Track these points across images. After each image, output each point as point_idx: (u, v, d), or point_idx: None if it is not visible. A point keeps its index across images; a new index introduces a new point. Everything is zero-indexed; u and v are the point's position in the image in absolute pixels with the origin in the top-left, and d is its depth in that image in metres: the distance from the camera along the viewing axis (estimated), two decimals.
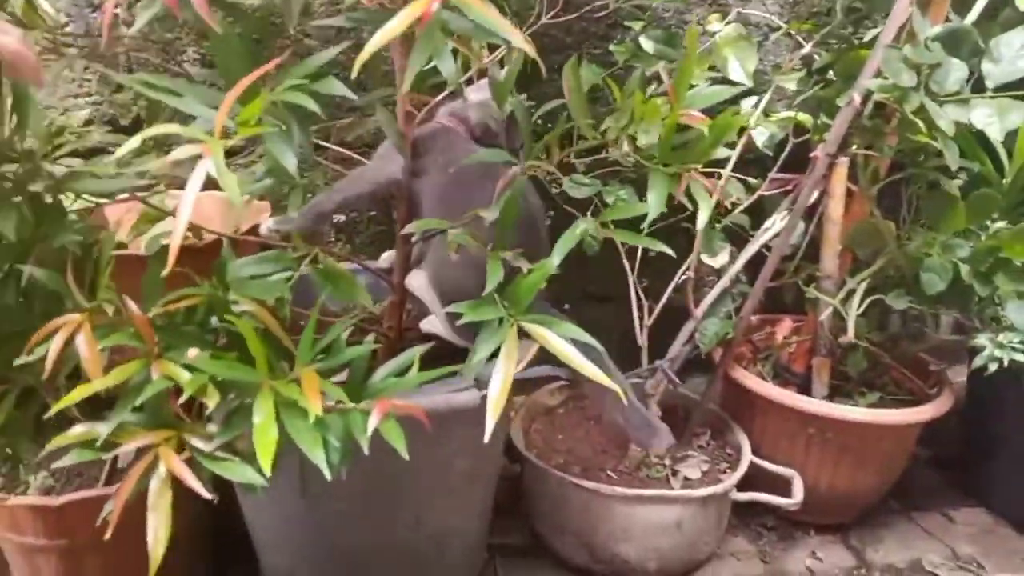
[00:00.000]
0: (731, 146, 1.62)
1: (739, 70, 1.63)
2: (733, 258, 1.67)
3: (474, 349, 1.03)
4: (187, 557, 1.41)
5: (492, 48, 1.30)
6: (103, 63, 1.57)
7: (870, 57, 1.46)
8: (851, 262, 1.68)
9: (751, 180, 1.70)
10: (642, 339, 1.71)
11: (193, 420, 0.98)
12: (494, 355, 1.02)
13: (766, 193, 1.69)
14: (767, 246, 1.64)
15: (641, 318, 1.72)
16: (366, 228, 1.91)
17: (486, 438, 0.94)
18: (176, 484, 0.90)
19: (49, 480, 1.34)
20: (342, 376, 1.06)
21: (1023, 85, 1.36)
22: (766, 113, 1.67)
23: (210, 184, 0.76)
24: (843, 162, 1.56)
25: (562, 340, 1.00)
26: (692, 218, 1.70)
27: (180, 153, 0.77)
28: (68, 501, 1.24)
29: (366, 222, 1.91)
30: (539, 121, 1.86)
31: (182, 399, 0.91)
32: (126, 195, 1.08)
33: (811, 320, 1.73)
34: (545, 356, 1.25)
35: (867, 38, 1.71)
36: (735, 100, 1.77)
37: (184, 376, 0.92)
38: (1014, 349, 1.49)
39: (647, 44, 1.67)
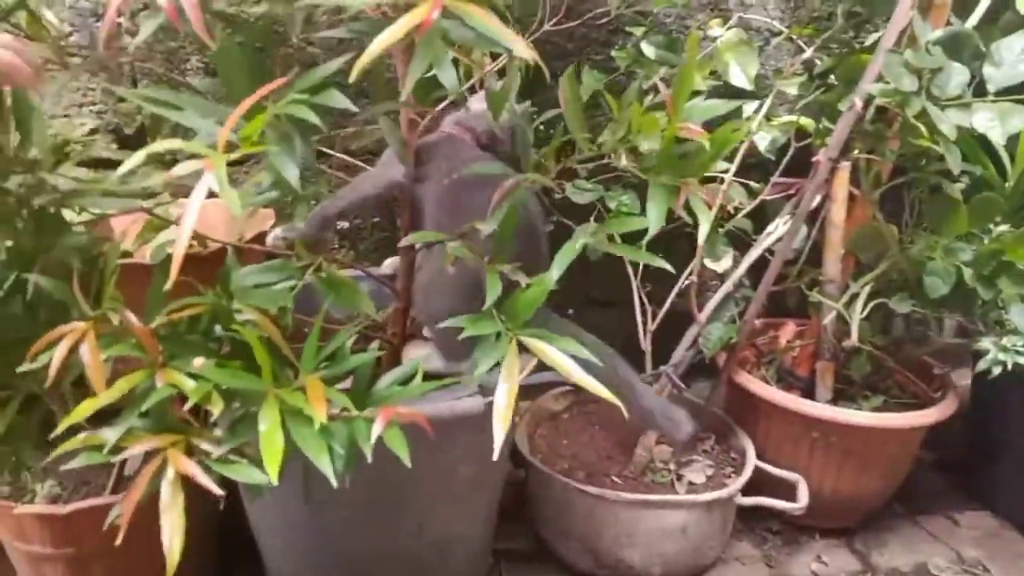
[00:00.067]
0: (733, 152, 1.63)
1: (740, 75, 1.64)
2: (736, 263, 1.67)
3: (474, 362, 1.02)
4: (195, 558, 1.41)
5: (495, 56, 1.31)
6: (107, 73, 1.58)
7: (871, 61, 1.46)
8: (854, 266, 1.68)
9: (753, 185, 1.71)
10: (646, 344, 1.71)
11: (200, 425, 0.98)
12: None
13: (768, 198, 1.69)
14: (770, 250, 1.64)
15: (645, 323, 1.73)
16: (370, 235, 1.92)
17: (494, 456, 0.94)
18: (183, 486, 0.91)
19: (56, 488, 1.34)
20: (346, 383, 1.06)
21: None
22: (768, 118, 1.68)
23: (215, 193, 0.77)
24: (845, 166, 1.56)
25: (562, 354, 0.99)
26: (695, 223, 1.71)
27: (182, 168, 0.78)
28: (75, 509, 1.24)
29: (370, 229, 1.91)
30: (542, 127, 1.87)
31: (188, 405, 0.92)
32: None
33: (814, 324, 1.73)
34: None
35: (868, 42, 1.71)
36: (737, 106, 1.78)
37: (188, 384, 0.92)
38: (1018, 352, 1.49)
39: (649, 50, 1.68)
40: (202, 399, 0.91)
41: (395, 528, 1.31)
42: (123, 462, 1.27)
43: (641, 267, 1.75)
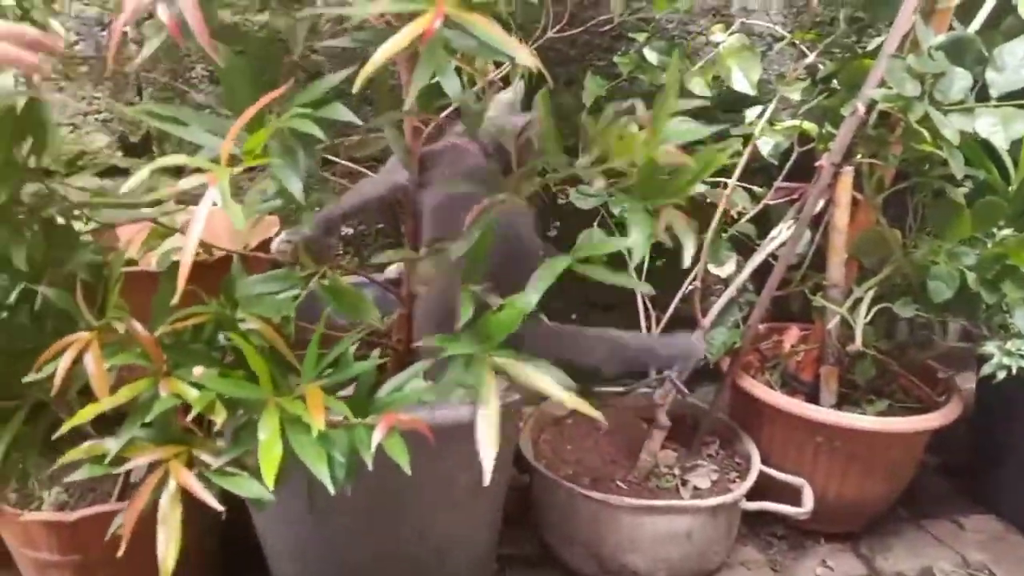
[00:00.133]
0: (737, 156, 1.64)
1: (743, 80, 1.64)
2: (740, 267, 1.67)
3: (446, 384, 1.02)
4: (197, 569, 1.42)
5: (499, 63, 1.31)
6: (113, 82, 1.58)
7: (874, 66, 1.46)
8: (857, 270, 1.69)
9: (757, 189, 1.71)
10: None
11: (203, 435, 0.99)
12: None
13: (772, 202, 1.69)
14: (773, 255, 1.64)
15: (648, 328, 1.73)
16: (374, 241, 1.92)
17: (485, 481, 0.93)
18: (186, 496, 0.91)
19: (63, 495, 1.35)
20: (349, 390, 1.07)
21: None
22: (771, 122, 1.68)
23: None
24: (848, 171, 1.56)
25: (539, 374, 0.99)
26: (699, 227, 1.71)
27: (187, 183, 0.78)
28: (82, 516, 1.25)
29: (374, 235, 1.92)
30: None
31: (191, 415, 0.92)
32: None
33: (818, 329, 1.73)
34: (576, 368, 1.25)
35: (871, 47, 1.72)
36: (739, 110, 1.79)
37: (192, 394, 0.93)
38: (1022, 356, 1.49)
39: (651, 55, 1.69)
40: (205, 409, 0.91)
41: (397, 535, 1.31)
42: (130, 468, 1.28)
43: (644, 272, 1.75)
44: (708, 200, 1.72)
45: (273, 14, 1.41)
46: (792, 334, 1.87)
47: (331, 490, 0.89)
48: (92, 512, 1.26)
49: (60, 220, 1.05)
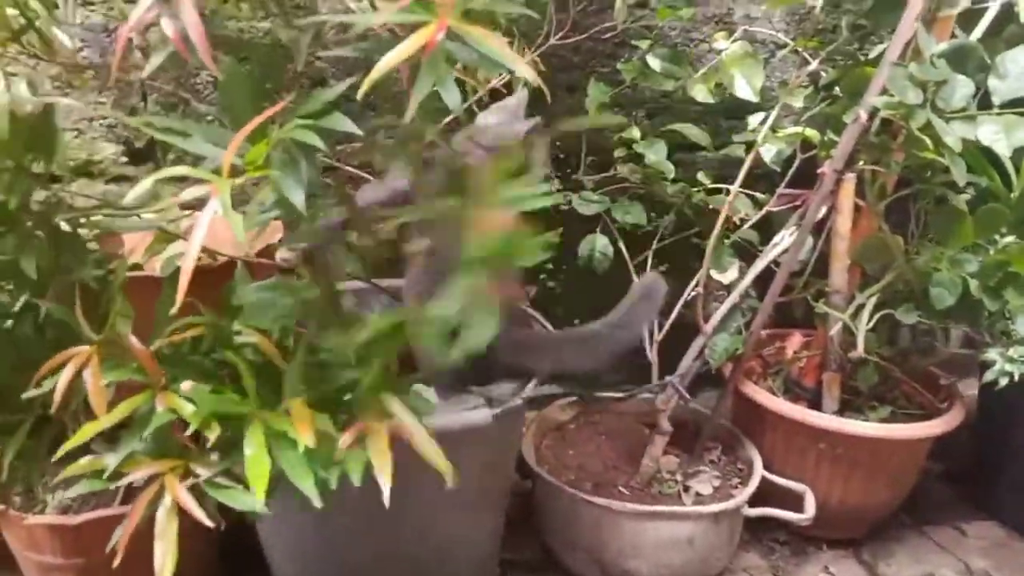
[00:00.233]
0: (740, 162, 1.65)
1: (746, 87, 1.65)
2: (742, 273, 1.67)
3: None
4: (199, 569, 1.43)
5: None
6: (118, 88, 1.59)
7: (876, 74, 1.47)
8: (860, 277, 1.69)
9: (759, 196, 1.72)
10: (652, 354, 1.72)
11: (200, 448, 0.98)
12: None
13: (774, 209, 1.70)
14: (776, 261, 1.64)
15: (651, 333, 1.73)
16: (377, 246, 1.92)
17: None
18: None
19: (66, 499, 1.35)
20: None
21: None
22: (773, 129, 1.68)
23: None
24: (850, 178, 1.56)
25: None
26: (701, 233, 1.72)
27: (189, 193, 0.79)
28: (85, 520, 1.26)
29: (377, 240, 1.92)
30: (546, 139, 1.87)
31: (190, 429, 0.92)
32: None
33: (821, 335, 1.73)
34: (554, 376, 1.26)
35: (873, 55, 1.72)
36: (741, 117, 1.80)
37: (187, 409, 0.92)
38: None
39: (654, 62, 1.69)
40: (201, 424, 0.91)
41: (399, 538, 1.32)
42: None
43: None
44: (711, 206, 1.72)
45: (276, 24, 1.41)
46: (794, 340, 1.87)
47: (317, 504, 0.88)
48: (95, 516, 1.27)
49: (66, 227, 1.05)
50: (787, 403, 1.70)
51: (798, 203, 1.66)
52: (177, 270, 1.08)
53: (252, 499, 0.89)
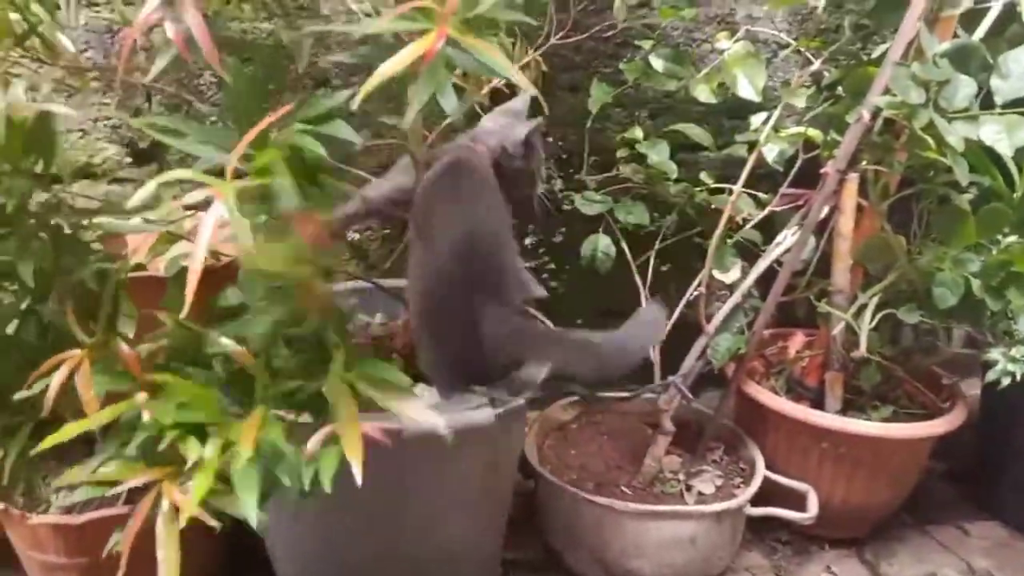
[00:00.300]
0: (742, 162, 1.65)
1: (748, 87, 1.65)
2: (745, 273, 1.68)
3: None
4: (202, 569, 1.43)
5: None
6: (122, 89, 1.59)
7: (879, 74, 1.47)
8: (862, 277, 1.69)
9: (762, 196, 1.72)
10: (654, 354, 1.72)
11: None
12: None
13: (777, 208, 1.70)
14: (778, 261, 1.64)
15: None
16: (380, 247, 1.93)
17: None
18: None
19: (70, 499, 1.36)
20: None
21: None
22: (776, 129, 1.68)
23: None
24: (853, 178, 1.56)
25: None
26: (704, 233, 1.72)
27: (192, 197, 0.79)
28: (89, 519, 1.26)
29: (380, 241, 1.92)
30: (549, 140, 1.88)
31: (164, 442, 0.91)
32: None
33: (823, 334, 1.73)
34: (556, 375, 1.27)
35: (875, 54, 1.72)
36: (744, 117, 1.80)
37: (168, 419, 0.91)
38: None
39: (656, 62, 1.70)
40: (177, 438, 0.90)
41: (400, 538, 1.32)
42: None
43: (649, 278, 1.76)
44: (713, 206, 1.73)
45: (278, 26, 1.41)
46: (797, 340, 1.87)
47: (252, 522, 0.85)
48: (99, 515, 1.27)
49: (68, 229, 1.06)
50: (789, 403, 1.70)
51: (800, 203, 1.66)
52: (182, 271, 1.09)
53: (244, 504, 0.88)
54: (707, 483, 1.65)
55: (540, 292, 1.41)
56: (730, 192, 1.67)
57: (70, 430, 0.90)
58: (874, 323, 1.61)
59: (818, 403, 1.72)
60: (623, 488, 1.62)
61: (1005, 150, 1.34)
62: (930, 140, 1.39)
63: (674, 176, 1.74)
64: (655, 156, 1.74)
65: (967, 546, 1.80)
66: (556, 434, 1.82)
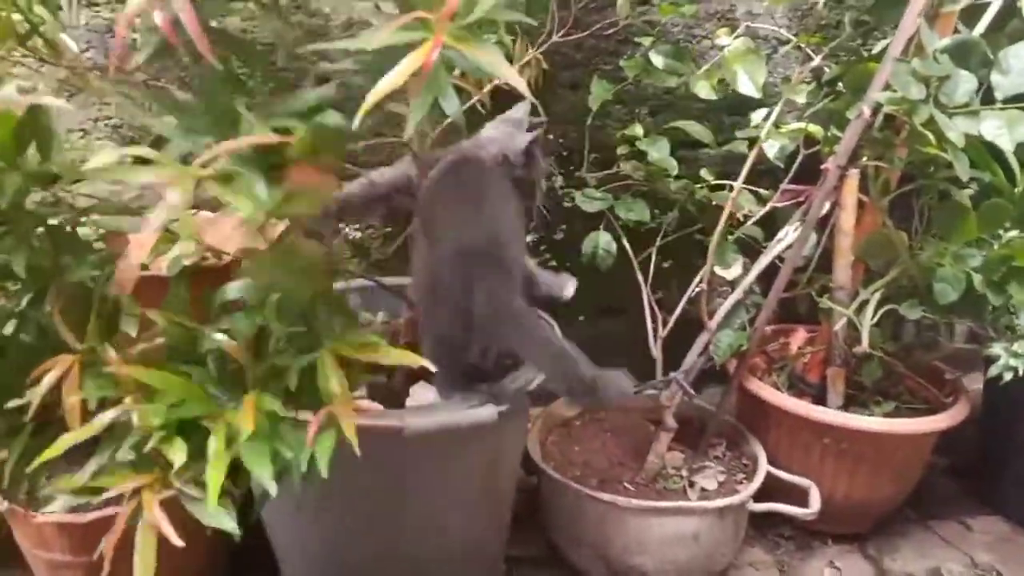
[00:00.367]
0: (743, 159, 1.65)
1: (748, 83, 1.65)
2: (746, 270, 1.68)
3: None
4: (205, 568, 1.44)
5: None
6: (125, 86, 1.59)
7: (879, 70, 1.47)
8: (864, 273, 1.69)
9: (763, 192, 1.72)
10: (656, 351, 1.72)
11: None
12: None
13: (778, 205, 1.70)
14: (780, 257, 1.64)
15: (655, 330, 1.74)
16: (382, 245, 1.93)
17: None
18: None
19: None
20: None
21: None
22: (776, 125, 1.68)
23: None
24: (854, 174, 1.56)
25: None
26: (705, 230, 1.72)
27: (143, 177, 0.79)
28: (95, 518, 1.26)
29: (381, 239, 1.93)
30: (550, 137, 1.88)
31: (151, 444, 0.91)
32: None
33: (825, 330, 1.73)
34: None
35: (876, 50, 1.72)
36: (744, 113, 1.80)
37: (154, 423, 0.91)
38: None
39: (657, 59, 1.70)
40: (161, 441, 0.90)
41: (402, 537, 1.32)
42: None
43: (651, 275, 1.77)
44: (714, 203, 1.73)
45: (262, 18, 1.40)
46: (799, 336, 1.88)
47: (272, 492, 0.86)
48: (104, 514, 1.27)
49: (67, 229, 1.06)
50: (791, 398, 1.71)
51: (801, 199, 1.67)
52: (184, 269, 1.09)
53: (219, 514, 0.88)
54: (710, 479, 1.65)
55: (567, 294, 1.39)
56: (731, 188, 1.67)
57: (64, 442, 0.90)
58: (876, 319, 1.61)
59: (820, 399, 1.73)
60: (626, 484, 1.62)
61: (1006, 145, 1.34)
62: (931, 136, 1.39)
63: (675, 173, 1.75)
64: (655, 153, 1.74)
65: (970, 541, 1.80)
66: (559, 430, 1.82)
